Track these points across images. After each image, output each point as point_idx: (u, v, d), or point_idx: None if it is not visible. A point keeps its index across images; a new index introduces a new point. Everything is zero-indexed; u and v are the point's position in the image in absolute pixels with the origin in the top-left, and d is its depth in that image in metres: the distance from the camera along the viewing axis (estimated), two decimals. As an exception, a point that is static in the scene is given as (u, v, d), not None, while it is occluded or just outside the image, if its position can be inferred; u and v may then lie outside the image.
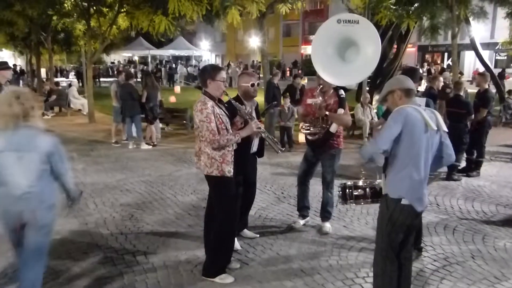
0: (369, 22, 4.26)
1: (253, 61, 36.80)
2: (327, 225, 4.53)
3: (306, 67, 33.26)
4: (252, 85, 3.80)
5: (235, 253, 3.88)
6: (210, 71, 3.37)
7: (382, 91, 2.95)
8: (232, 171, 3.35)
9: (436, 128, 2.74)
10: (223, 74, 3.40)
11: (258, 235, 4.36)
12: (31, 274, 2.79)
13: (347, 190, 3.14)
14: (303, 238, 4.36)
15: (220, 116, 3.28)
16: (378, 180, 3.14)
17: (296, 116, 8.79)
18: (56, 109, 14.59)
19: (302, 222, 4.65)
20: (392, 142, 2.71)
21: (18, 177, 2.66)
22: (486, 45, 23.74)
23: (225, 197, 3.42)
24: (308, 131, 4.29)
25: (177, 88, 11.42)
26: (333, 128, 4.22)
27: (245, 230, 4.33)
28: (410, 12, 10.58)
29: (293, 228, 4.59)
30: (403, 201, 2.76)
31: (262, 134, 3.59)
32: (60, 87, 15.12)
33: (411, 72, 4.02)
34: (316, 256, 3.96)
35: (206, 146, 3.30)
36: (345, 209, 5.09)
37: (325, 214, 4.55)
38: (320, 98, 4.24)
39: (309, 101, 4.32)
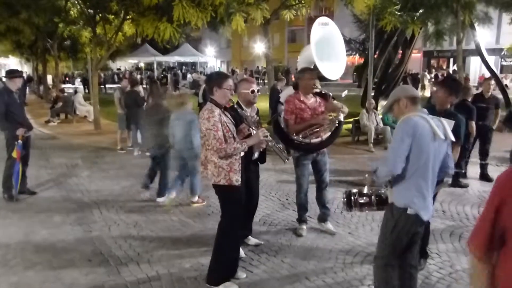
0: (334, 24, 4.84)
1: (257, 67, 36.93)
2: (330, 225, 4.68)
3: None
4: (252, 91, 3.79)
5: (240, 260, 3.86)
6: (216, 79, 3.37)
7: (388, 101, 2.95)
8: (240, 179, 3.33)
9: (443, 137, 2.72)
10: (230, 82, 3.37)
11: (262, 242, 4.34)
12: (192, 179, 5.61)
13: (352, 198, 3.12)
14: (308, 245, 4.33)
15: (227, 124, 3.27)
16: (383, 189, 3.12)
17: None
18: (62, 116, 14.69)
19: (305, 227, 4.67)
20: (405, 158, 2.68)
21: (179, 133, 5.33)
22: (492, 51, 23.61)
23: (232, 205, 3.41)
24: (319, 131, 4.28)
25: None
26: (342, 117, 4.38)
27: (250, 237, 4.32)
28: (415, 18, 10.58)
29: (298, 235, 4.57)
30: (409, 211, 2.74)
31: (269, 143, 3.54)
32: (65, 94, 15.23)
33: (453, 83, 3.99)
34: (321, 263, 3.93)
35: (212, 154, 3.28)
36: (350, 216, 5.06)
37: (327, 212, 4.68)
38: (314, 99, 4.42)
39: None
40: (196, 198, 5.67)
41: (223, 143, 3.18)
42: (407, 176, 2.72)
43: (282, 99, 4.52)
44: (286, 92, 4.61)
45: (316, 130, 4.26)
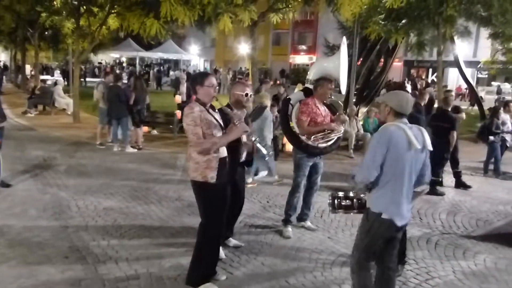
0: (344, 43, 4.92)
1: (240, 67, 36.85)
2: (310, 223, 4.92)
3: (294, 76, 33.57)
4: (246, 94, 3.86)
5: (219, 262, 3.86)
6: (198, 78, 3.41)
7: (382, 97, 3.04)
8: (215, 177, 3.29)
9: (420, 147, 2.79)
10: (211, 79, 3.39)
11: (243, 244, 4.34)
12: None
13: (336, 200, 3.21)
14: (289, 248, 4.36)
15: (208, 121, 3.25)
16: (362, 195, 3.20)
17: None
18: (40, 107, 14.30)
19: (290, 229, 4.72)
20: (379, 166, 2.79)
21: (256, 126, 5.71)
22: (469, 63, 24.34)
23: (207, 203, 3.37)
24: (326, 139, 4.48)
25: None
26: (343, 128, 4.67)
27: (231, 239, 4.31)
28: (398, 28, 10.81)
29: (279, 237, 4.60)
30: (383, 215, 2.84)
31: (251, 137, 3.57)
32: (46, 85, 14.86)
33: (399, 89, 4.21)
34: (301, 267, 3.96)
35: (193, 151, 3.28)
36: (330, 220, 5.13)
37: (308, 213, 4.91)
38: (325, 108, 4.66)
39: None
40: (250, 180, 6.60)
41: (200, 138, 3.19)
42: (383, 183, 2.82)
43: (292, 101, 4.68)
44: (296, 96, 4.78)
45: (326, 135, 4.48)
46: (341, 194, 3.17)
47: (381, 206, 2.84)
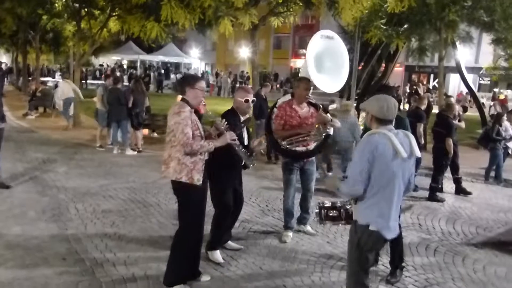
0: (339, 38, 4.64)
1: (242, 71, 36.92)
2: (309, 227, 4.83)
3: (294, 80, 33.69)
4: (246, 101, 3.88)
5: (217, 265, 3.87)
6: (189, 79, 3.44)
7: (363, 103, 2.89)
8: (201, 179, 3.28)
9: (406, 155, 2.64)
10: (202, 83, 3.42)
11: (242, 247, 4.33)
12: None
13: (322, 211, 3.14)
14: (286, 253, 4.34)
15: (197, 123, 3.28)
16: (349, 206, 3.14)
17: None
18: (41, 109, 14.32)
19: (290, 234, 4.68)
20: (367, 178, 2.63)
21: (343, 131, 6.35)
22: (471, 69, 24.34)
23: (190, 206, 3.35)
24: (305, 141, 4.34)
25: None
26: (331, 130, 4.45)
27: (229, 242, 4.30)
28: (400, 32, 10.82)
29: (278, 241, 4.58)
30: (371, 227, 2.68)
31: (236, 147, 3.52)
32: (46, 87, 14.89)
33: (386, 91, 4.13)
34: (299, 272, 3.94)
35: (177, 151, 3.22)
36: (329, 225, 5.09)
37: (307, 217, 4.81)
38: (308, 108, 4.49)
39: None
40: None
41: (190, 138, 3.15)
42: (369, 195, 2.67)
43: (278, 105, 4.60)
44: (284, 99, 4.68)
45: (301, 139, 4.33)
46: (328, 204, 3.09)
47: (368, 218, 2.68)
